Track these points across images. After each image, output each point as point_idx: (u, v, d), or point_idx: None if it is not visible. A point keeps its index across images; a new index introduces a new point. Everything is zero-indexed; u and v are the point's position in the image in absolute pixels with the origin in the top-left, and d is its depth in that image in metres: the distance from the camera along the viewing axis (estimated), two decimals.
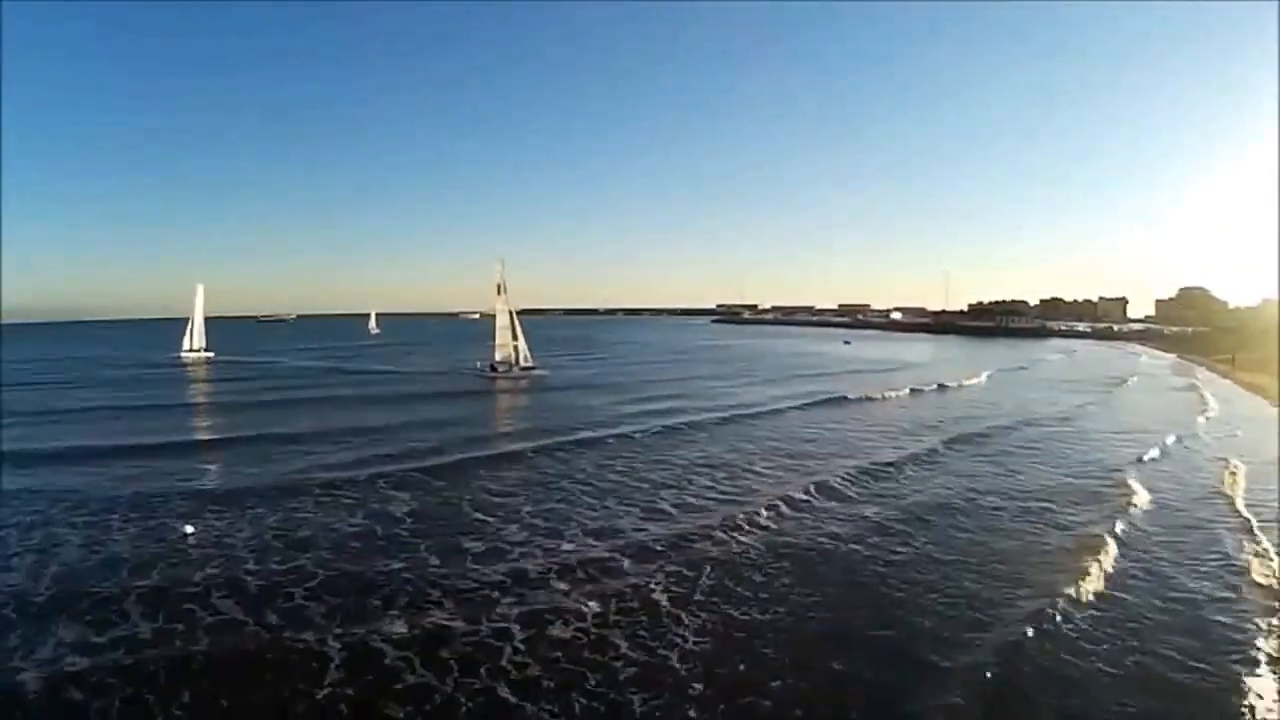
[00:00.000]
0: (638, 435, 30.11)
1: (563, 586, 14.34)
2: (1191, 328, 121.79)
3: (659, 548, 16.62)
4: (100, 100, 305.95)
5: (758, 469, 24.25)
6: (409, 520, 18.61)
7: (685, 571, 15.15)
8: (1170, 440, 29.02)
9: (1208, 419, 35.00)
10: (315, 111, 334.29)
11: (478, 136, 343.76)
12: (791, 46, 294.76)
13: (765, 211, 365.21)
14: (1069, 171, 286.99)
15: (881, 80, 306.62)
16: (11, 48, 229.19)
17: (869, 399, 42.18)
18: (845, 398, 41.91)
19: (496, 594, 13.95)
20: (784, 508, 19.57)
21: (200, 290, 73.36)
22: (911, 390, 45.83)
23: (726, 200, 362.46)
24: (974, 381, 52.06)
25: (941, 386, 48.27)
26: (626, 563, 15.65)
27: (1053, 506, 19.87)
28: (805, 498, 20.59)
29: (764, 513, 19.03)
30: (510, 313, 54.15)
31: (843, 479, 22.58)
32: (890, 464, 24.75)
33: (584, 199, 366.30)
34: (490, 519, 18.74)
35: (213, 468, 24.46)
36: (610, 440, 29.08)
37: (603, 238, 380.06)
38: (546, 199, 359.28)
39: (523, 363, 54.48)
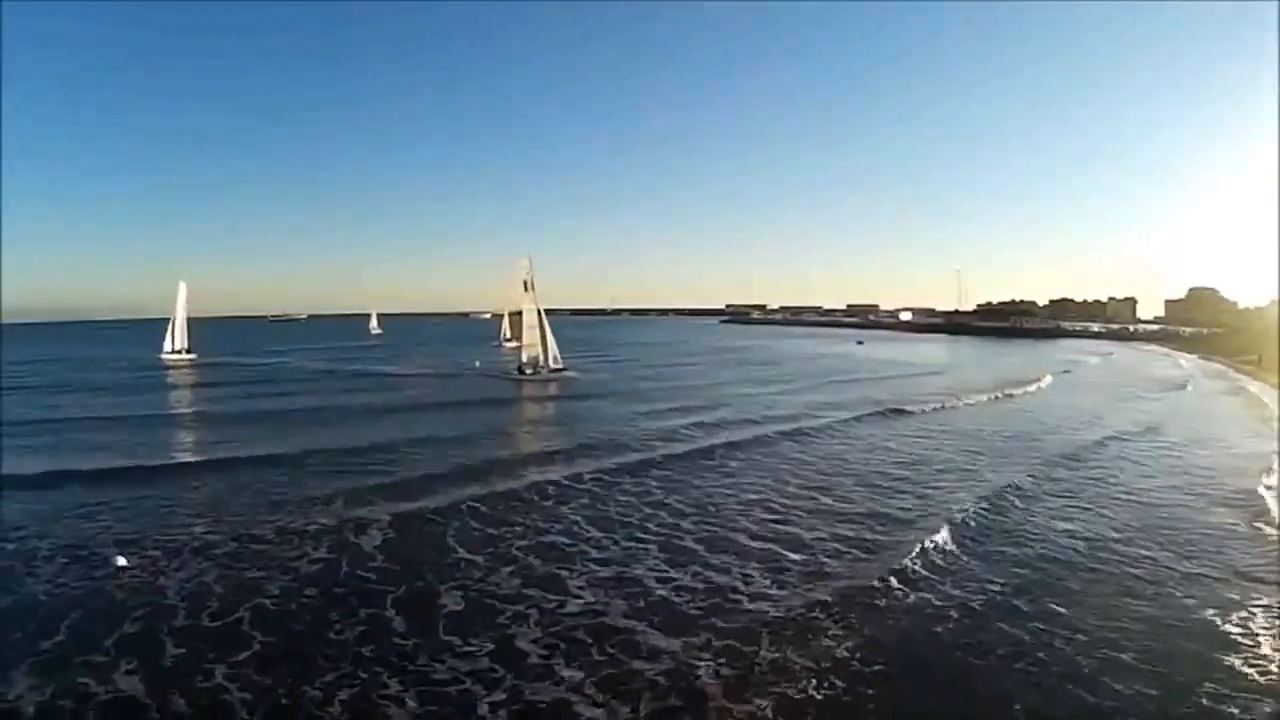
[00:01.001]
0: (681, 455, 25.85)
1: (570, 673, 10.70)
2: (1206, 328, 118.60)
3: (694, 609, 12.94)
4: (106, 99, 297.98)
5: (841, 503, 19.74)
6: (380, 558, 15.54)
7: (736, 645, 11.47)
8: None
9: None
10: (323, 112, 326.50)
11: (484, 137, 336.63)
12: (797, 46, 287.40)
13: (770, 211, 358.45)
14: (1073, 172, 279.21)
15: (886, 81, 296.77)
16: (12, 47, 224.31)
17: (931, 409, 37.59)
18: (902, 410, 36.95)
19: (478, 686, 10.37)
20: (869, 556, 15.48)
21: (183, 289, 69.78)
22: (972, 400, 41.29)
23: (732, 200, 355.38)
24: (1034, 388, 48.14)
25: (1006, 394, 44.14)
26: (655, 635, 11.93)
27: (1224, 551, 15.79)
28: (898, 542, 16.36)
29: (845, 564, 15.07)
30: (538, 311, 51.08)
31: (938, 517, 18.20)
32: (990, 496, 20.22)
33: (590, 199, 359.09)
34: (479, 558, 15.53)
35: (164, 490, 21.23)
36: (652, 461, 24.84)
37: (608, 238, 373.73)
38: (553, 199, 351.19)
39: (552, 364, 51.40)
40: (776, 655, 11.12)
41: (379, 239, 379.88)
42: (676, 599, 13.38)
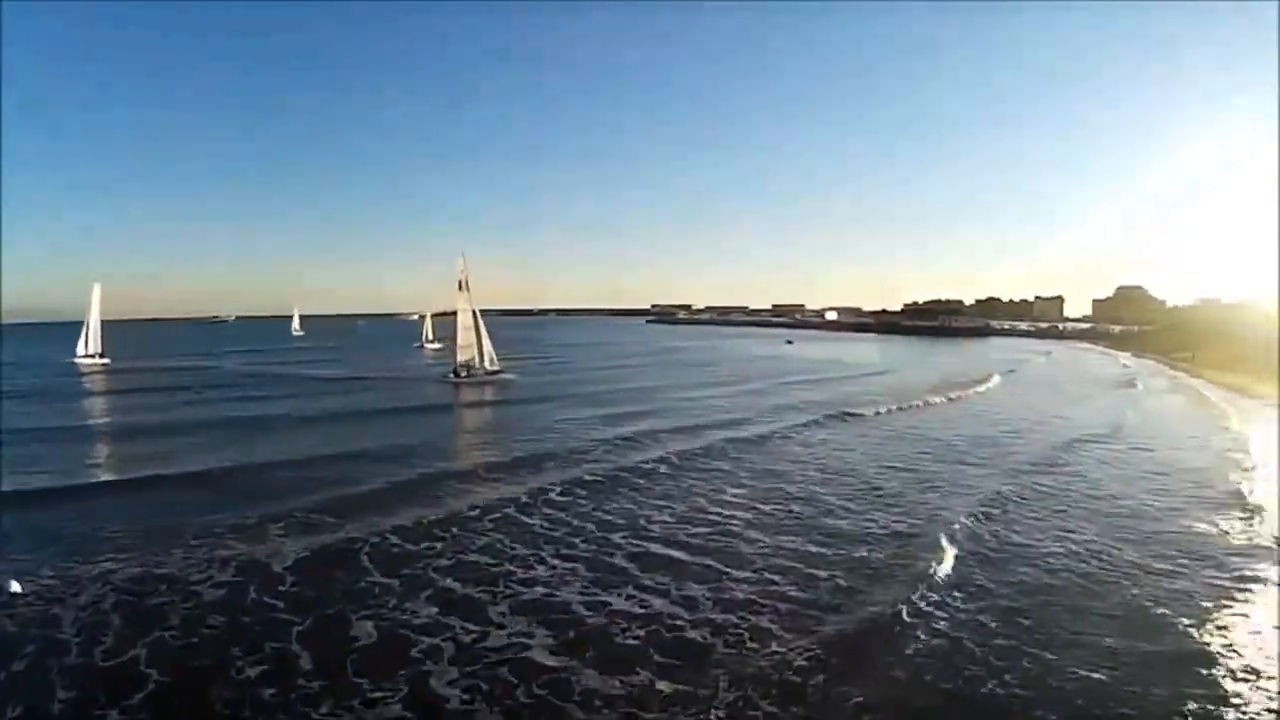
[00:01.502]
0: (627, 465, 23.99)
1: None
2: (1136, 326, 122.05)
3: (633, 640, 11.58)
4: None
5: (806, 519, 18.20)
6: (290, 581, 14.08)
7: (686, 689, 10.01)
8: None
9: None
10: (265, 114, 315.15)
11: (404, 136, 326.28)
12: (720, 43, 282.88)
13: (691, 212, 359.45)
14: (1000, 172, 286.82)
15: (807, 80, 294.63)
16: (12, 47, 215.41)
17: (883, 412, 36.37)
18: (853, 412, 35.76)
19: None
20: (842, 579, 14.13)
21: (96, 290, 65.38)
22: (922, 401, 40.47)
23: (653, 201, 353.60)
24: (983, 388, 48.07)
25: (957, 395, 43.22)
26: (589, 674, 10.47)
27: (1224, 559, 15.13)
28: (864, 559, 15.20)
29: (809, 588, 13.72)
30: (474, 312, 49.22)
31: (935, 531, 16.93)
32: (970, 507, 18.96)
33: (515, 202, 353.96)
34: (394, 581, 14.03)
35: (61, 511, 19.17)
36: (596, 471, 23.07)
37: (532, 239, 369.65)
38: (479, 199, 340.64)
39: (488, 366, 49.72)
40: (736, 697, 9.69)
41: (308, 239, 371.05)
42: (612, 628, 11.97)
